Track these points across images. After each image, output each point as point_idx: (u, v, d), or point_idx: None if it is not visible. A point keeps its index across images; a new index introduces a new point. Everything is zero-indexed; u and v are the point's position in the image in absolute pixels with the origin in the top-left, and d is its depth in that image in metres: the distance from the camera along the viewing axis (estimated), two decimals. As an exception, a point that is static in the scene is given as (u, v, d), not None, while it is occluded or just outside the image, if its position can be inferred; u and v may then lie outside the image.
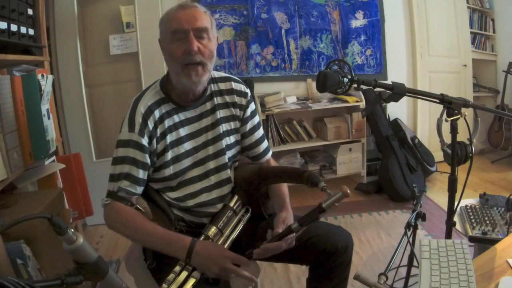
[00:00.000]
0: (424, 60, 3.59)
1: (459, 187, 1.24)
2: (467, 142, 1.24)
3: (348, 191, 0.94)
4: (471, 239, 1.37)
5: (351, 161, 3.22)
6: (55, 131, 1.81)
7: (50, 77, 1.72)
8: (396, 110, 3.44)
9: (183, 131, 1.18)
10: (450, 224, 1.27)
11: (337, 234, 1.21)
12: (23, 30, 1.62)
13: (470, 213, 1.52)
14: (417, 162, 3.12)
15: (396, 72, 3.47)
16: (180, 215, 1.20)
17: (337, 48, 3.34)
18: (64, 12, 2.58)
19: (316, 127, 3.29)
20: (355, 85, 1.19)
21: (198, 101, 1.19)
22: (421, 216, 1.14)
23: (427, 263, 0.93)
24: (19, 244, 1.28)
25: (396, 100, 1.18)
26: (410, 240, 1.07)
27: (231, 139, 1.25)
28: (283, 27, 3.19)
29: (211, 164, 1.21)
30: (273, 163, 1.36)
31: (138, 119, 1.10)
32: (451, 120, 1.16)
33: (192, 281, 1.00)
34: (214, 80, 1.24)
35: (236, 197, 1.22)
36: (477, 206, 1.57)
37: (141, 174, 1.11)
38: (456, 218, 1.48)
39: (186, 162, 1.18)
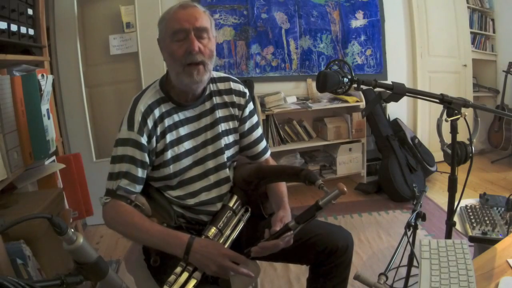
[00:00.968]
0: (424, 60, 3.59)
1: (459, 187, 1.24)
2: (467, 142, 1.24)
3: (345, 189, 0.94)
4: (471, 239, 1.37)
5: (351, 161, 3.22)
6: (55, 131, 1.81)
7: (50, 77, 1.72)
8: (396, 110, 3.44)
9: (182, 131, 1.18)
10: (450, 224, 1.27)
11: (338, 234, 1.21)
12: (23, 30, 1.62)
13: (470, 213, 1.52)
14: (417, 162, 3.12)
15: (396, 72, 3.48)
16: (180, 212, 1.21)
17: (337, 48, 3.34)
18: (64, 12, 2.58)
19: (316, 127, 3.29)
20: (355, 85, 1.19)
21: (197, 101, 1.20)
22: (421, 216, 1.14)
23: (427, 263, 0.93)
24: (19, 244, 1.28)
25: (396, 100, 1.18)
26: (410, 240, 1.07)
27: (229, 139, 1.25)
28: (283, 27, 3.19)
29: (210, 164, 1.22)
30: (271, 162, 1.37)
31: (138, 118, 1.10)
32: (451, 120, 1.16)
33: (193, 282, 0.99)
34: (213, 80, 1.24)
35: (235, 197, 1.22)
36: (477, 206, 1.57)
37: (140, 172, 1.11)
38: (456, 218, 1.48)
39: (186, 162, 1.18)
